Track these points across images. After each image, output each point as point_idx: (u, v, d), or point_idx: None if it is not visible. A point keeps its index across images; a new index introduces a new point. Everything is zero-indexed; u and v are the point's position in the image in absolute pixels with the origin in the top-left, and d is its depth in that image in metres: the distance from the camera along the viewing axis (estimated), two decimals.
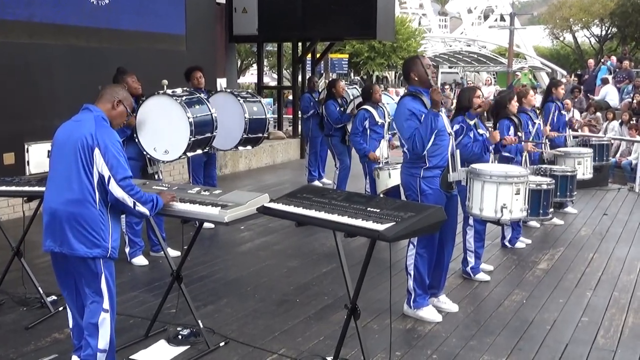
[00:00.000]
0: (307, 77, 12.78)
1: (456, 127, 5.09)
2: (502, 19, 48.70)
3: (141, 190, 3.49)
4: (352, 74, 34.23)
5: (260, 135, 6.78)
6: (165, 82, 5.83)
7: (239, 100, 6.58)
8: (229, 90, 7.08)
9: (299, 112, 11.82)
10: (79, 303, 3.60)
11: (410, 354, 4.17)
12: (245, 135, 6.55)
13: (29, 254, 5.06)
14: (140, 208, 3.46)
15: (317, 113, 9.77)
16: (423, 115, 4.44)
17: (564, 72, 31.96)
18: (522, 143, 6.29)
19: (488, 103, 5.32)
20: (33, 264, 5.32)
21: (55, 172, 3.47)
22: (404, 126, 4.50)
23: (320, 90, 10.58)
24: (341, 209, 3.45)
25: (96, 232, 3.38)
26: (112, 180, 3.35)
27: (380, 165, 6.85)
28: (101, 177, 3.36)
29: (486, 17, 46.21)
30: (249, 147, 7.04)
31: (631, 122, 13.49)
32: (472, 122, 5.26)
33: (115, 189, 3.36)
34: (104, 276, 3.46)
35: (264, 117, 6.76)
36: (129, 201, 3.40)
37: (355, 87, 10.06)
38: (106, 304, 3.48)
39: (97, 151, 3.34)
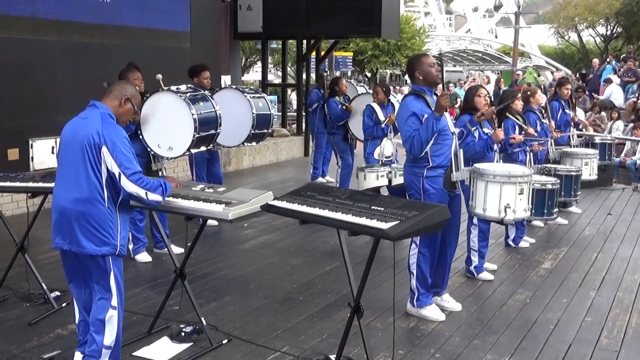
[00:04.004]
0: (318, 73, 12.84)
1: (458, 130, 5.05)
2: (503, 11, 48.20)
3: (150, 180, 3.51)
4: (357, 74, 34.17)
5: (266, 130, 6.79)
6: (159, 76, 5.74)
7: (245, 96, 6.58)
8: (234, 87, 7.08)
9: (303, 107, 11.84)
10: (86, 299, 3.61)
11: (413, 353, 4.16)
12: (252, 131, 6.56)
13: (32, 250, 5.08)
14: (152, 196, 3.47)
15: (322, 108, 9.77)
16: (425, 116, 4.42)
17: (569, 72, 31.84)
18: (532, 143, 6.30)
19: (491, 112, 5.25)
20: (37, 259, 5.33)
21: (64, 170, 3.48)
22: (404, 126, 4.48)
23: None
24: (345, 207, 3.44)
25: (105, 230, 3.40)
26: (122, 176, 3.36)
27: (364, 166, 6.86)
28: (111, 174, 3.37)
29: (497, 9, 45.89)
30: (253, 144, 7.04)
31: (636, 120, 13.45)
32: (473, 129, 5.20)
33: (128, 185, 3.37)
34: (113, 273, 3.48)
35: (268, 112, 6.77)
36: (142, 192, 3.43)
37: (363, 86, 10.07)
38: (114, 301, 3.50)
39: (104, 149, 3.35)
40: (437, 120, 4.34)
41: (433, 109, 4.41)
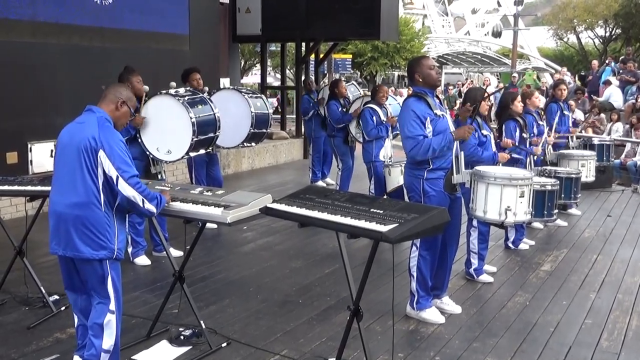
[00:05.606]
0: (302, 78, 12.79)
1: None
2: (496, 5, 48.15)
3: (147, 188, 3.50)
4: (358, 75, 34.19)
5: (264, 130, 6.79)
6: (173, 84, 5.83)
7: (243, 95, 6.58)
8: (231, 87, 7.08)
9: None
10: (85, 304, 3.61)
11: (412, 356, 4.15)
12: (252, 130, 6.54)
13: (31, 254, 5.07)
14: (148, 205, 3.47)
15: (318, 113, 9.78)
16: (428, 118, 4.42)
17: (568, 74, 31.85)
18: (532, 147, 6.29)
19: (466, 110, 5.22)
20: (35, 263, 5.33)
21: (60, 175, 3.47)
22: (407, 127, 4.47)
23: (318, 90, 10.56)
24: (344, 210, 3.44)
25: (102, 234, 3.39)
26: (120, 179, 3.35)
27: (391, 162, 6.84)
28: (108, 178, 3.36)
29: (499, 4, 46.06)
30: (252, 144, 7.04)
31: (634, 121, 13.43)
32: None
33: (125, 188, 3.37)
34: (111, 277, 3.47)
35: (267, 112, 6.78)
36: (139, 199, 3.42)
37: (353, 83, 10.10)
38: (112, 306, 3.49)
39: (101, 153, 3.34)
40: (452, 142, 4.44)
41: (452, 130, 4.48)
